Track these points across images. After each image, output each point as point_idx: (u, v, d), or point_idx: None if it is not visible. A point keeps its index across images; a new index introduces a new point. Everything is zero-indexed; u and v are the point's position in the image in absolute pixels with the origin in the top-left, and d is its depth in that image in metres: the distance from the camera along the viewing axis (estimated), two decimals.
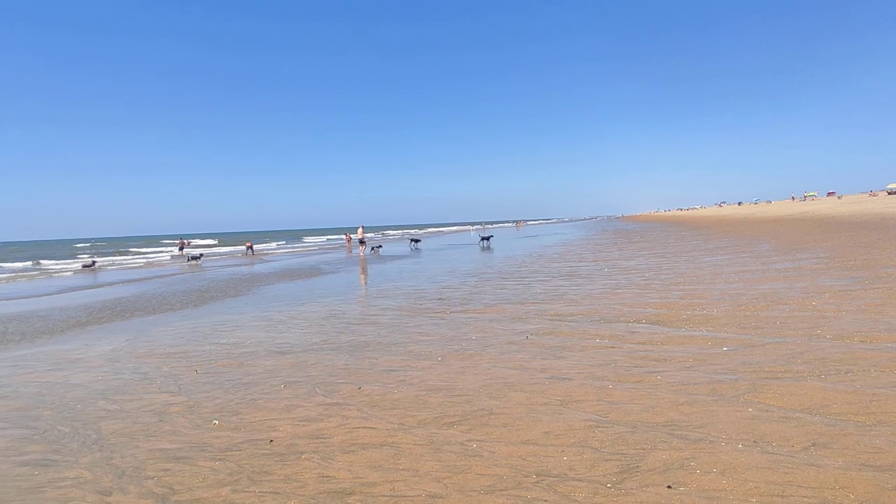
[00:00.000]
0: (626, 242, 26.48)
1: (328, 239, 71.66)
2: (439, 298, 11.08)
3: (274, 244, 66.65)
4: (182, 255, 37.67)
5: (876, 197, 53.98)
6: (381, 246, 34.20)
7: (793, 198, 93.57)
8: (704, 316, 7.13)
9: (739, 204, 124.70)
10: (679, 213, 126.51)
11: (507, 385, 4.83)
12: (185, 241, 42.75)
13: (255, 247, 42.97)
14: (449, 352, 6.34)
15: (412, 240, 39.76)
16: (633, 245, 23.89)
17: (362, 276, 17.38)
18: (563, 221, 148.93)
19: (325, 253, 37.02)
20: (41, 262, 39.57)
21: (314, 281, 17.00)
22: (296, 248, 52.38)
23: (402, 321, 8.72)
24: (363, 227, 30.98)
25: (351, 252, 36.09)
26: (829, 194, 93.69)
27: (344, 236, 52.24)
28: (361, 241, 29.88)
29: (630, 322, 7.20)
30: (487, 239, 33.77)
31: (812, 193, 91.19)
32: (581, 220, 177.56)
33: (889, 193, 57.59)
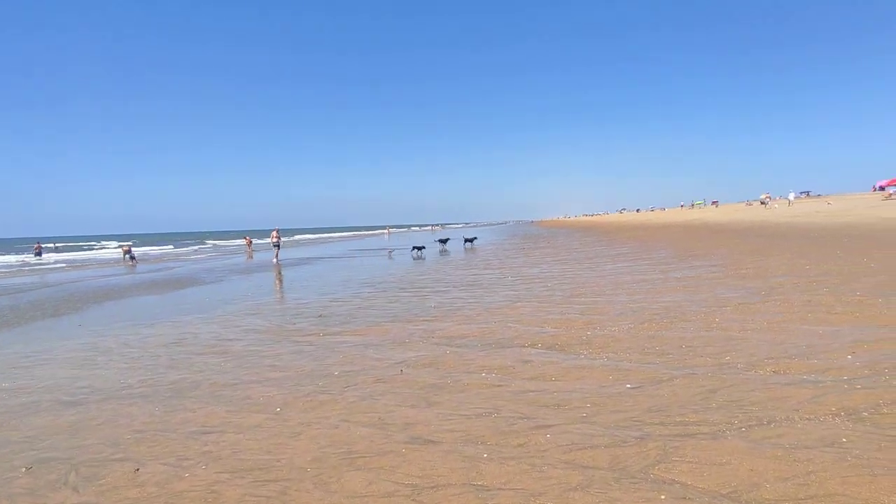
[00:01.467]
0: (532, 248, 26.32)
1: (213, 244, 66.45)
2: (320, 315, 9.54)
3: (170, 247, 60.56)
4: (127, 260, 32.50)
5: (751, 206, 59.63)
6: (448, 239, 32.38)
7: (682, 206, 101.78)
8: (606, 337, 6.26)
9: (638, 211, 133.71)
10: (585, 218, 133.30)
11: (348, 458, 3.48)
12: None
13: (147, 250, 38.22)
14: (296, 396, 4.88)
15: (419, 247, 37.47)
16: (540, 251, 23.68)
17: (245, 287, 15.26)
18: (481, 225, 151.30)
19: (223, 258, 33.63)
20: None
21: (186, 293, 14.64)
22: (195, 252, 47.68)
23: (260, 348, 7.10)
24: (278, 230, 28.18)
25: (251, 257, 33.12)
26: (713, 203, 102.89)
27: (244, 240, 48.42)
28: (276, 245, 27.19)
29: (525, 346, 6.16)
30: (471, 241, 30.98)
31: (699, 202, 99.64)
32: (496, 224, 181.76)
33: (761, 203, 63.84)
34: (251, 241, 46.54)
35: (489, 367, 5.36)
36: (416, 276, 15.44)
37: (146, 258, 37.67)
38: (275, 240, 27.27)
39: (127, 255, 32.98)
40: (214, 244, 66.22)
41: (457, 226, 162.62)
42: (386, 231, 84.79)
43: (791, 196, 57.10)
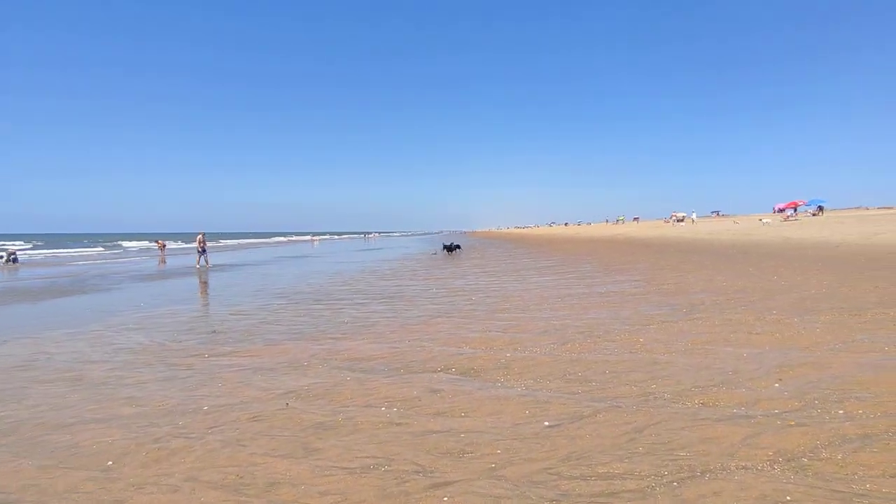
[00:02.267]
0: (462, 259, 25.92)
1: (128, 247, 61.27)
2: (214, 331, 8.35)
3: (72, 250, 54.80)
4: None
5: (668, 223, 63.31)
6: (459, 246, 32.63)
7: (607, 221, 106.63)
8: (526, 360, 5.67)
9: (566, 224, 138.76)
10: (517, 230, 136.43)
11: None
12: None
13: (53, 252, 34.02)
14: (142, 443, 3.84)
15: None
16: (469, 261, 23.28)
17: (141, 296, 13.49)
18: (417, 235, 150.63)
19: (130, 262, 30.51)
20: None
21: (65, 303, 12.71)
22: (100, 255, 43.31)
23: (125, 374, 5.89)
24: (204, 234, 25.80)
25: (164, 262, 30.32)
26: (635, 219, 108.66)
27: (156, 243, 44.69)
28: (202, 251, 24.83)
29: (437, 371, 5.44)
30: (452, 248, 30.87)
31: (621, 218, 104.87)
32: (431, 233, 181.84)
33: (676, 221, 68.01)
34: (164, 245, 43.11)
35: (392, 399, 4.58)
36: (336, 287, 14.39)
37: (33, 262, 33.58)
38: (200, 245, 25.07)
39: (10, 259, 29.01)
40: (128, 247, 60.88)
41: (394, 234, 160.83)
42: (312, 238, 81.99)
43: (693, 215, 61.61)
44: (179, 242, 67.15)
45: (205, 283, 16.80)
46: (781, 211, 69.20)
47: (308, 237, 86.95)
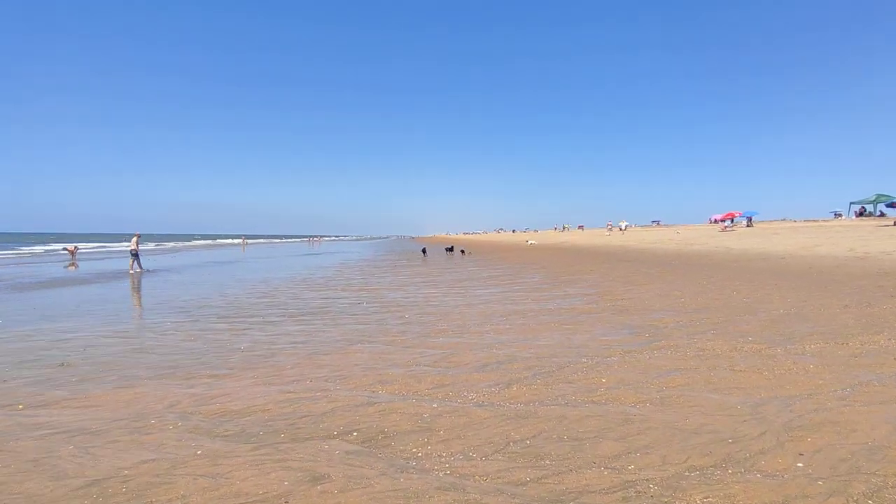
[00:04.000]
0: (405, 265, 24.35)
1: (46, 250, 55.44)
2: (62, 363, 6.38)
3: None
4: None
5: (612, 232, 64.46)
6: None
7: (555, 228, 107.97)
8: (457, 415, 4.20)
9: (514, 231, 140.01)
10: (465, 236, 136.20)
11: None
12: None
13: None
14: None
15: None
16: (411, 269, 21.74)
17: (10, 310, 11.01)
18: (364, 239, 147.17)
19: (28, 266, 26.73)
20: None
21: None
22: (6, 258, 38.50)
23: None
24: (139, 235, 22.66)
25: (76, 266, 26.80)
26: (580, 227, 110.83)
27: (66, 249, 40.21)
28: (135, 254, 21.92)
29: (332, 437, 3.87)
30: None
31: (567, 225, 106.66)
32: (377, 238, 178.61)
33: (621, 230, 69.50)
34: (75, 249, 38.87)
35: (245, 500, 2.96)
36: (253, 300, 12.46)
37: None
38: (133, 248, 22.10)
39: None
40: (47, 249, 54.96)
41: (342, 238, 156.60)
42: (242, 241, 77.96)
43: (622, 224, 63.56)
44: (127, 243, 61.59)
45: (99, 295, 14.33)
46: (717, 222, 72.30)
47: (237, 241, 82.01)
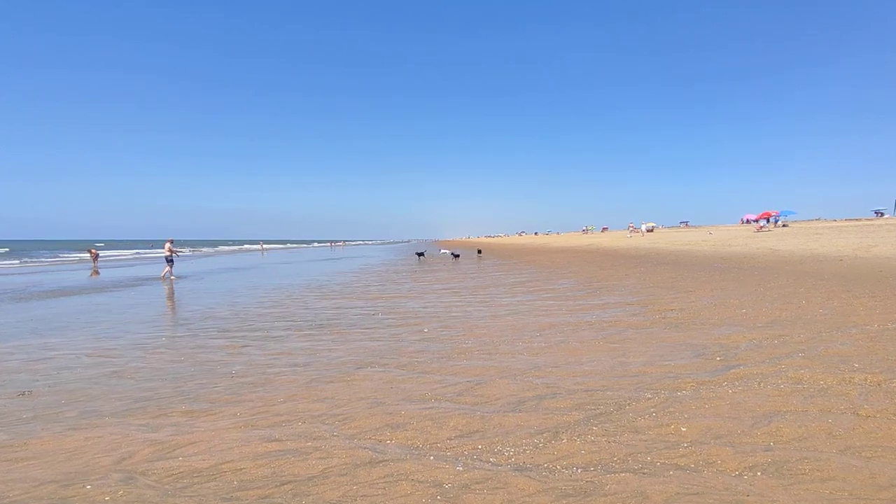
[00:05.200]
0: (425, 271, 23.25)
1: (81, 258, 56.30)
2: (21, 393, 5.48)
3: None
4: None
5: (637, 233, 62.27)
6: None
7: (583, 230, 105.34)
8: (489, 485, 3.07)
9: (536, 234, 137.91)
10: (487, 239, 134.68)
11: None
12: None
13: None
14: None
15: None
16: (432, 275, 20.63)
17: (7, 322, 10.28)
18: (385, 243, 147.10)
19: (50, 272, 26.58)
20: None
21: None
22: (26, 266, 38.93)
23: None
24: (172, 241, 22.32)
25: (98, 272, 26.59)
26: (603, 229, 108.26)
27: (89, 253, 40.45)
28: (169, 260, 21.65)
29: None
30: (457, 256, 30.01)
31: (590, 227, 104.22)
32: (399, 242, 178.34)
33: (643, 233, 67.25)
34: (97, 255, 38.97)
35: None
36: (263, 310, 11.52)
37: None
38: (168, 253, 21.80)
39: None
40: (80, 257, 55.80)
41: (363, 243, 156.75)
42: (261, 246, 78.01)
43: (643, 227, 61.07)
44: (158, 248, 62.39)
45: (111, 303, 13.60)
46: (750, 222, 69.41)
47: (255, 246, 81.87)
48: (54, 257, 49.57)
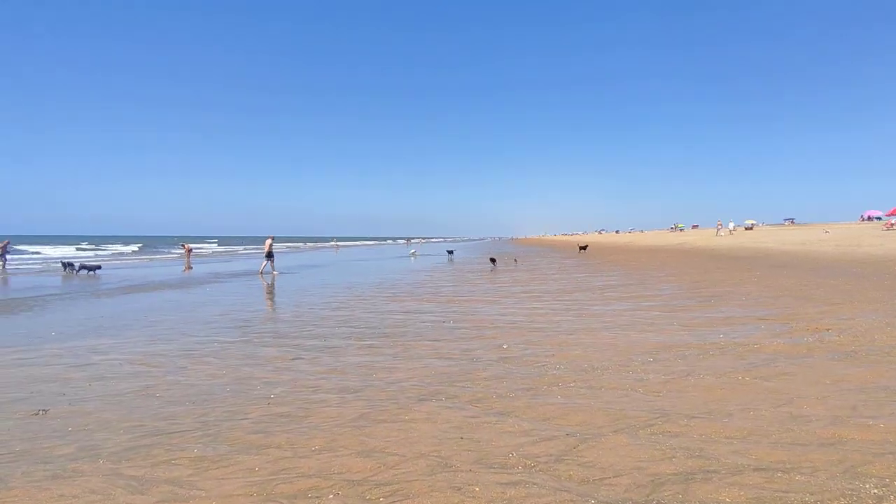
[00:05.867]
0: (502, 270, 21.73)
1: (181, 254, 60.48)
2: (37, 412, 4.75)
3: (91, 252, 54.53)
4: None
5: (735, 232, 56.48)
6: (98, 267, 23.30)
7: (672, 228, 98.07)
8: None
9: (617, 232, 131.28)
10: (565, 237, 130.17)
11: None
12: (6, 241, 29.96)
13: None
14: None
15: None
16: (510, 275, 19.08)
17: (75, 318, 10.18)
18: (458, 241, 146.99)
19: (144, 267, 28.15)
20: None
21: None
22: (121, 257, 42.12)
23: None
24: (273, 238, 22.97)
25: (191, 267, 27.84)
26: (694, 227, 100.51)
27: (182, 247, 42.95)
28: (269, 255, 22.04)
29: None
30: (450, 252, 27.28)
31: (679, 225, 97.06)
32: (473, 240, 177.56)
33: (746, 229, 61.02)
34: (190, 250, 41.16)
35: None
36: (326, 312, 10.68)
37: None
38: (267, 249, 22.22)
39: (91, 270, 24.76)
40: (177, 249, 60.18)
41: (436, 240, 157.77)
42: (335, 244, 79.60)
43: (731, 225, 54.64)
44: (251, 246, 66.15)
45: (182, 301, 13.45)
46: (872, 219, 60.90)
47: (331, 244, 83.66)
48: (168, 252, 53.31)
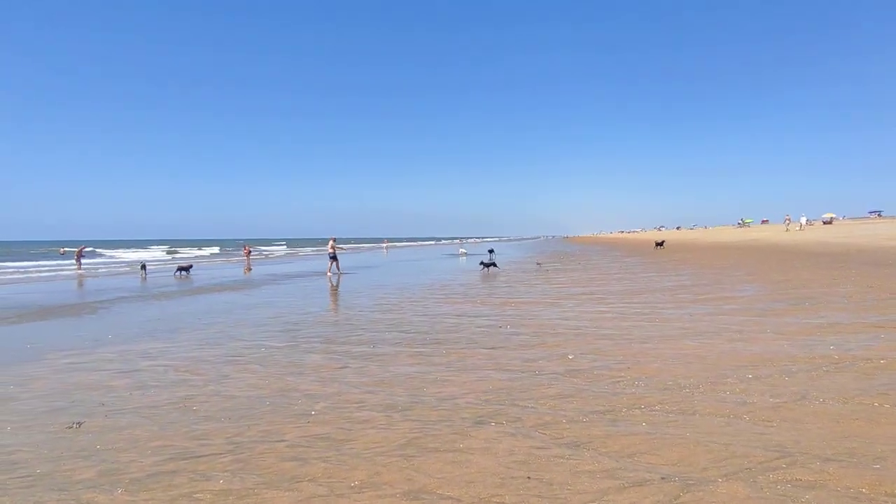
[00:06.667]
0: (559, 270, 20.73)
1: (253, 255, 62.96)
2: (71, 426, 4.55)
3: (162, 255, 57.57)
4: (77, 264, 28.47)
5: (812, 226, 52.02)
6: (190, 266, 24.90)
7: (739, 223, 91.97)
8: None
9: (678, 228, 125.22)
10: (621, 235, 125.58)
11: None
12: (83, 247, 32.58)
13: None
14: None
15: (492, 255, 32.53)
16: (567, 275, 18.09)
17: (141, 318, 10.30)
18: (510, 240, 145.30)
19: (213, 268, 29.24)
20: None
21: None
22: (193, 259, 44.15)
23: None
24: (335, 238, 23.22)
25: (250, 268, 28.69)
26: (764, 221, 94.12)
27: (243, 249, 44.49)
28: (333, 257, 22.19)
29: None
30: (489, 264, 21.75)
31: (748, 220, 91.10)
32: (524, 239, 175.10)
33: (824, 223, 56.19)
34: (250, 251, 42.49)
35: None
36: (376, 315, 10.28)
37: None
38: (331, 250, 22.47)
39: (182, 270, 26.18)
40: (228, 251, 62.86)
41: (489, 239, 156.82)
42: (385, 244, 79.83)
43: (803, 220, 49.71)
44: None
45: (229, 304, 13.50)
46: None
47: (381, 245, 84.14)
48: (230, 255, 55.63)
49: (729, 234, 56.14)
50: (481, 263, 21.41)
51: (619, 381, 5.01)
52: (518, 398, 4.65)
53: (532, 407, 4.40)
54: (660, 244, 39.51)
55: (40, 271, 29.21)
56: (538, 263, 24.80)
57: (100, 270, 30.21)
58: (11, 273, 28.29)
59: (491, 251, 34.93)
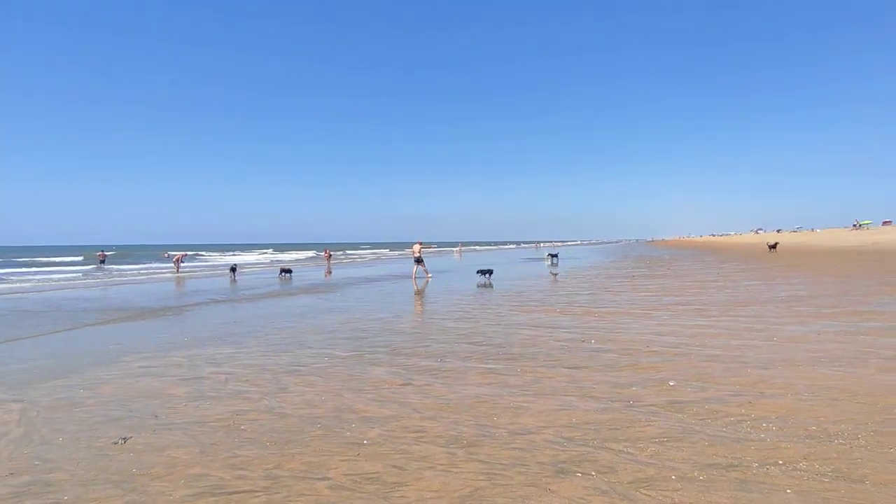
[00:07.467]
0: (646, 276, 19.07)
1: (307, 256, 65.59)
2: (117, 441, 4.32)
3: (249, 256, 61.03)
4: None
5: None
6: (291, 270, 25.97)
7: (854, 225, 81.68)
8: None
9: (778, 231, 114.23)
10: (712, 239, 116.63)
11: None
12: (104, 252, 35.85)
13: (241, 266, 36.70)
14: None
15: (550, 254, 35.01)
16: (655, 281, 16.49)
17: (216, 321, 10.51)
18: (592, 244, 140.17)
19: (300, 271, 30.44)
20: None
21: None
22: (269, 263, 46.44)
23: None
24: (421, 242, 23.43)
25: (330, 272, 29.47)
26: (885, 223, 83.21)
27: (324, 253, 46.09)
28: (419, 261, 22.34)
29: None
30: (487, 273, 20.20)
31: (866, 222, 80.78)
32: (608, 242, 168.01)
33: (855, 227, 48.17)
34: (330, 255, 43.81)
35: None
36: (447, 324, 9.70)
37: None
38: (416, 254, 22.73)
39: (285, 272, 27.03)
40: (297, 256, 65.67)
41: (572, 243, 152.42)
42: (457, 249, 79.14)
43: None
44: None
45: (303, 308, 13.54)
46: None
47: (454, 249, 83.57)
48: (313, 260, 58.21)
49: (842, 238, 49.93)
50: (479, 272, 20.24)
51: (741, 421, 3.97)
52: (609, 438, 3.78)
53: (628, 452, 3.52)
54: (773, 246, 37.08)
55: (153, 273, 31.78)
56: (554, 273, 22.51)
57: (196, 273, 32.33)
58: (133, 274, 30.97)
59: (554, 255, 34.21)
